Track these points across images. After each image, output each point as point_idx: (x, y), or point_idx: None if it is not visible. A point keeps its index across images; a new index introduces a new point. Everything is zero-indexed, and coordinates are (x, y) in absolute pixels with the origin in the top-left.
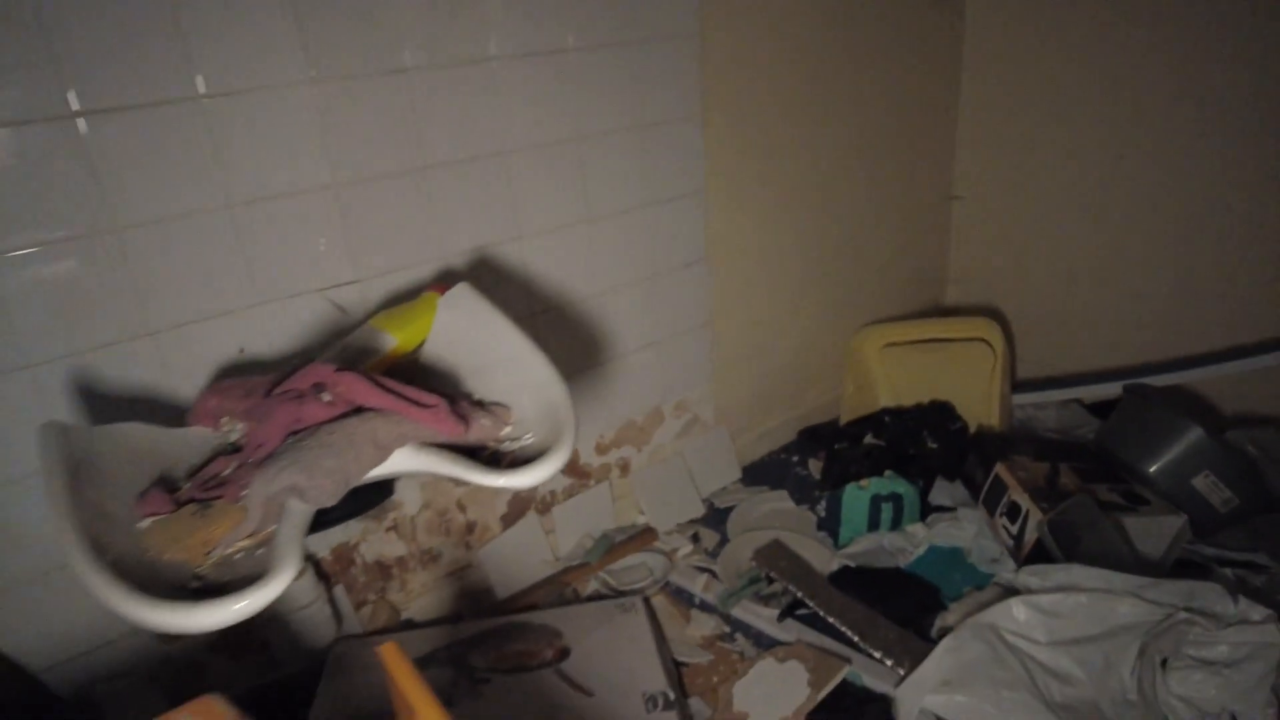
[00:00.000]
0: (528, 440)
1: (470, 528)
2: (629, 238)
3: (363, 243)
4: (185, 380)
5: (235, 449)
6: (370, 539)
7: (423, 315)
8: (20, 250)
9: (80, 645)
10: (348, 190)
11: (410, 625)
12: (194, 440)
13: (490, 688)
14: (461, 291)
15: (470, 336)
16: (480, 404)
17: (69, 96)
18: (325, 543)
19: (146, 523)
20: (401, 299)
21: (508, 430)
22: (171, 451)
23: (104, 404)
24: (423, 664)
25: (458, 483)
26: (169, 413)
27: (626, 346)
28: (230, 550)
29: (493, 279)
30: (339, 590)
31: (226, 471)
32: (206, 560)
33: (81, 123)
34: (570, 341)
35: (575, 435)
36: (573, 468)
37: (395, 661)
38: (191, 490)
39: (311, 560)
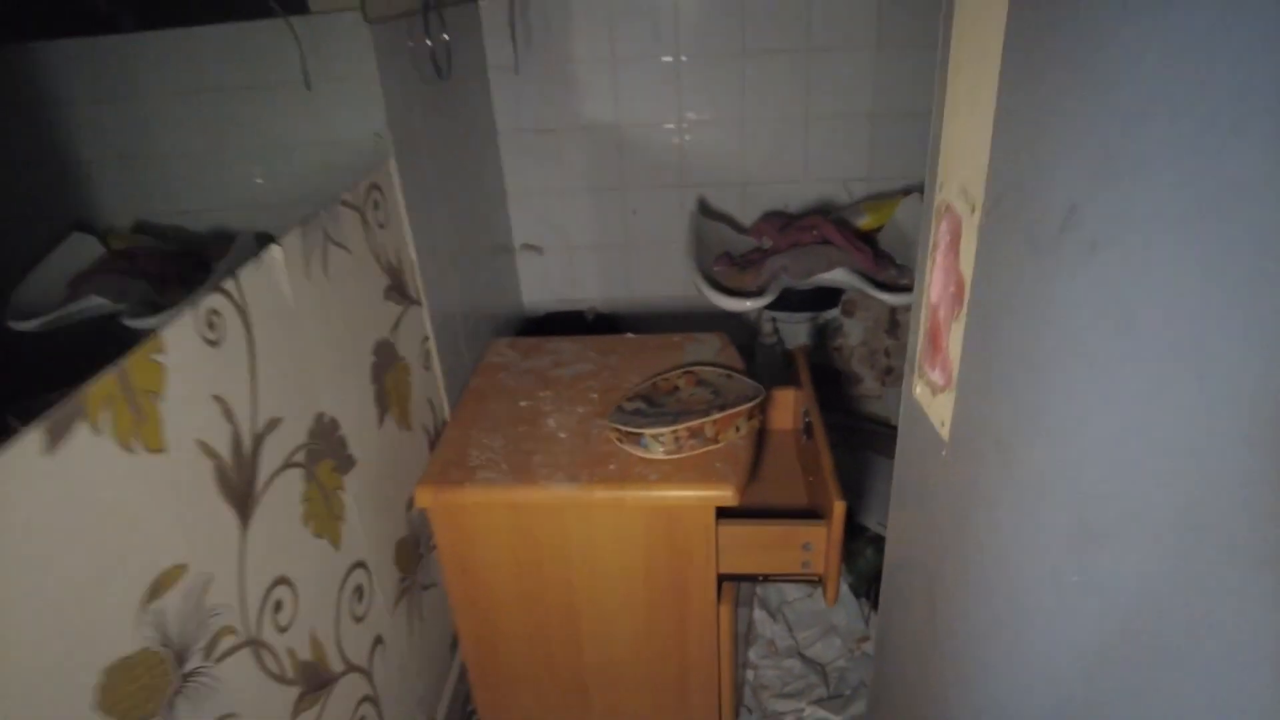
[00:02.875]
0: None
1: (889, 370)
2: None
3: (880, 155)
4: (748, 212)
5: (763, 250)
6: (819, 351)
7: (888, 209)
8: (696, 118)
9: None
10: (879, 119)
11: None
12: (745, 241)
13: (857, 454)
14: (913, 199)
15: (908, 227)
16: (896, 264)
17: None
18: (794, 338)
19: (719, 268)
20: (884, 196)
21: (906, 281)
22: (733, 242)
23: (708, 212)
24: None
25: (889, 323)
26: (735, 225)
27: None
28: (749, 287)
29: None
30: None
31: (756, 259)
32: (742, 286)
33: (743, 62)
34: None
35: None
36: None
37: (801, 357)
38: (739, 261)
39: (781, 342)
